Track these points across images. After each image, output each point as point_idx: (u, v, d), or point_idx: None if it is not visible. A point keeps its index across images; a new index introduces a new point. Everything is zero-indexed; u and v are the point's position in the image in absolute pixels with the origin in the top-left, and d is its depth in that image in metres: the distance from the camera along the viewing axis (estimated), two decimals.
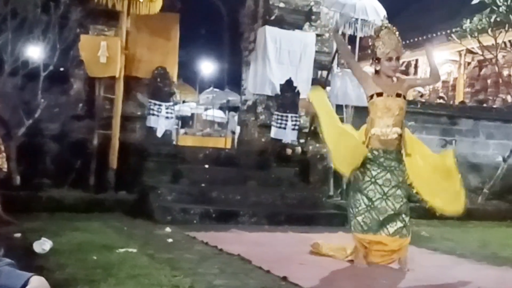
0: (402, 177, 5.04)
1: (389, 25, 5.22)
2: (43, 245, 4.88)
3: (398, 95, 5.10)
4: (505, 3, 9.77)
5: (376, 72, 5.18)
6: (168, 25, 9.31)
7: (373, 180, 5.00)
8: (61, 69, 9.01)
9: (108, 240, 5.57)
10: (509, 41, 12.90)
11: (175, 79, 9.33)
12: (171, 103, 8.86)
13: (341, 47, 6.12)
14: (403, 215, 4.98)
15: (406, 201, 5.04)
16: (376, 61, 5.15)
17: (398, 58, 5.12)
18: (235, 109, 15.68)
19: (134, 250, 5.16)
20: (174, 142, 9.88)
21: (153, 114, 8.56)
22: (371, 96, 5.13)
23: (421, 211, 6.70)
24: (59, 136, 8.74)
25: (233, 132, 15.66)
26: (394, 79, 5.15)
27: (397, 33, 5.21)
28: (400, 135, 5.06)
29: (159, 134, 8.60)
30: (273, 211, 7.92)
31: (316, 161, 10.04)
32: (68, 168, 8.31)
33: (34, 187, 7.82)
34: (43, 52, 8.32)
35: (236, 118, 16.37)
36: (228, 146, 14.64)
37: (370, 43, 5.30)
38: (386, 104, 5.05)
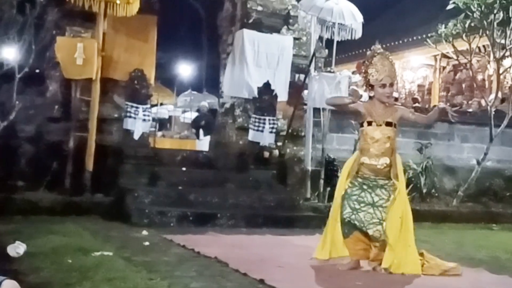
0: (392, 195, 5.03)
1: (382, 50, 5.18)
2: (17, 249, 4.82)
3: (388, 124, 5.07)
4: (479, 9, 9.91)
5: (370, 97, 5.16)
6: (146, 27, 9.27)
7: (363, 188, 5.04)
8: (37, 70, 8.93)
9: (84, 243, 5.52)
10: (483, 46, 13.09)
11: (152, 81, 9.29)
12: (148, 106, 8.83)
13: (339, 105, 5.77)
14: (381, 233, 4.97)
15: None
16: (370, 87, 5.12)
17: (392, 84, 5.08)
18: (213, 111, 15.62)
19: (110, 253, 5.12)
20: (151, 145, 9.82)
21: (130, 117, 8.52)
22: (362, 124, 5.14)
23: None
24: (35, 138, 8.65)
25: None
26: (388, 105, 5.10)
27: (390, 57, 5.20)
28: (390, 165, 5.05)
29: (136, 136, 8.55)
30: (250, 214, 7.93)
31: (293, 163, 10.07)
32: (44, 170, 8.22)
33: (9, 190, 7.73)
34: (18, 53, 8.23)
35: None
36: (206, 148, 14.64)
37: (363, 69, 5.25)
38: (375, 134, 5.04)
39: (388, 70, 5.06)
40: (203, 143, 15.39)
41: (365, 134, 5.10)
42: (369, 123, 5.07)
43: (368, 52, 5.29)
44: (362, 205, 5.03)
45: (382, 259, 4.99)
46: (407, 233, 5.02)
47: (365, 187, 5.06)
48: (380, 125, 5.05)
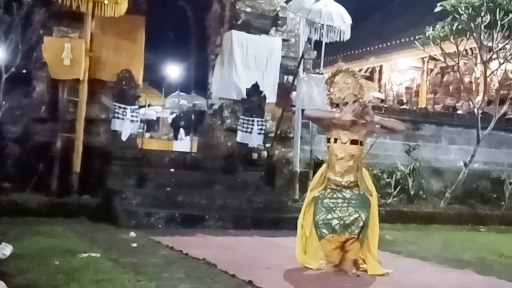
0: (365, 197, 5.03)
1: (344, 67, 5.14)
2: (3, 250, 4.78)
3: (354, 142, 5.04)
4: (467, 12, 9.97)
5: None
6: (134, 28, 9.22)
7: (334, 190, 5.04)
8: (24, 71, 8.86)
9: (71, 245, 5.49)
10: (470, 48, 13.17)
11: (140, 82, 9.25)
12: (136, 107, 8.79)
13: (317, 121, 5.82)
14: (364, 217, 4.95)
15: (368, 210, 5.00)
16: (335, 106, 5.09)
17: (356, 101, 5.00)
18: (201, 113, 15.51)
19: (98, 255, 5.10)
20: (139, 146, 9.78)
21: (118, 118, 8.47)
22: (328, 140, 5.15)
23: (385, 215, 6.79)
24: (21, 139, 8.59)
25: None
26: (355, 121, 5.01)
27: (356, 74, 5.16)
28: (356, 181, 5.04)
29: (124, 137, 8.51)
30: (239, 215, 7.92)
31: (282, 165, 10.08)
32: (30, 171, 8.16)
33: None
34: (5, 53, 8.18)
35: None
36: (194, 150, 14.59)
37: (326, 88, 5.20)
38: (338, 152, 5.02)
39: (351, 88, 5.02)
40: (184, 144, 15.18)
41: (331, 151, 5.10)
42: (335, 140, 5.07)
43: (331, 71, 5.28)
44: (338, 201, 5.01)
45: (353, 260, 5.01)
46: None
47: (335, 191, 5.07)
48: (345, 143, 5.03)
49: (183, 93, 22.12)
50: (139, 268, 4.66)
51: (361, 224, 4.92)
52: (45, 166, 8.23)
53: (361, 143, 5.12)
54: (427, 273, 5.40)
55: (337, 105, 5.07)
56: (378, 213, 5.26)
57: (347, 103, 4.99)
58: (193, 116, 16.62)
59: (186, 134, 15.25)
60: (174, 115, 22.28)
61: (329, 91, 5.12)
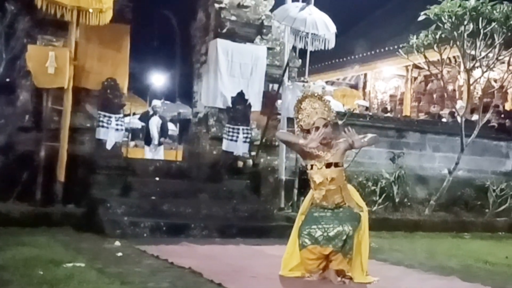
0: (353, 211, 5.03)
1: (311, 92, 5.11)
2: None
3: (329, 165, 5.00)
4: (450, 20, 10.07)
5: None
6: (119, 36, 9.20)
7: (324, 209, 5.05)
8: (7, 79, 8.80)
9: (55, 255, 5.44)
10: (454, 57, 13.32)
11: (125, 90, 9.22)
12: (121, 115, 8.77)
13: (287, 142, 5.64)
14: (348, 230, 4.92)
15: (355, 223, 4.99)
16: (305, 132, 5.03)
17: (326, 125, 4.96)
18: (186, 121, 15.10)
19: (82, 265, 5.05)
20: (124, 155, 9.73)
21: (103, 126, 8.45)
22: (306, 166, 5.13)
23: (370, 223, 6.79)
24: (5, 148, 8.51)
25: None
26: (327, 144, 5.00)
27: (323, 98, 5.10)
28: (343, 200, 5.02)
29: (109, 146, 8.48)
30: (224, 224, 7.90)
31: (267, 173, 10.08)
32: (14, 181, 8.08)
33: None
34: None
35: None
36: (179, 158, 14.54)
37: (294, 115, 5.15)
38: (316, 177, 4.99)
39: (320, 112, 4.96)
40: (158, 151, 14.80)
41: (310, 177, 5.09)
42: (311, 167, 5.05)
43: (297, 98, 5.22)
44: (326, 214, 5.00)
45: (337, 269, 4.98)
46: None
47: (324, 209, 5.06)
48: (320, 169, 5.00)
49: (168, 102, 22.09)
50: (124, 278, 4.63)
51: (344, 237, 4.88)
52: (29, 175, 8.16)
53: (337, 165, 5.04)
54: (413, 280, 5.41)
55: (308, 131, 4.99)
56: None
57: (318, 127, 4.93)
58: (167, 123, 16.02)
59: (160, 141, 14.80)
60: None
61: (297, 117, 5.06)
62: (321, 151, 5.01)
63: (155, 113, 15.28)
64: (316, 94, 5.13)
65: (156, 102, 15.97)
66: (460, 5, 9.90)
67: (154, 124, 15.01)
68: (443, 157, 12.11)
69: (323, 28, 9.71)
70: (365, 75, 23.36)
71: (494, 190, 11.13)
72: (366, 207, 5.24)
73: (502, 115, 14.75)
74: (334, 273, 4.96)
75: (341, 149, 5.06)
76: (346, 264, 4.96)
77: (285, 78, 10.06)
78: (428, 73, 14.28)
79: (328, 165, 5.00)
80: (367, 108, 17.14)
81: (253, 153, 9.86)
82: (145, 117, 15.67)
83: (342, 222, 4.93)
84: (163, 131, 15.28)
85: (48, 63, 8.16)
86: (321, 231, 4.93)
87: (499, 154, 13.01)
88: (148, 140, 15.08)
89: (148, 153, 14.86)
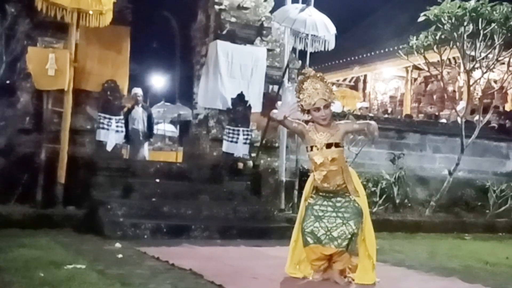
0: (356, 205, 4.98)
1: (313, 73, 5.05)
2: None
3: (329, 146, 4.96)
4: (450, 21, 10.08)
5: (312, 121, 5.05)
6: (119, 38, 9.21)
7: (325, 198, 5.02)
8: (8, 81, 8.80)
9: (56, 257, 5.44)
10: (454, 58, 13.31)
11: (125, 92, 9.23)
12: (121, 117, 8.77)
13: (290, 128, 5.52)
14: (352, 230, 4.91)
15: (359, 219, 4.96)
16: (306, 112, 5.03)
17: (327, 106, 4.95)
18: (186, 123, 14.63)
19: (83, 266, 5.05)
20: (124, 156, 9.73)
21: (103, 128, 8.45)
22: (307, 148, 5.12)
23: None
24: (6, 150, 8.52)
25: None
26: (328, 126, 4.98)
27: (324, 79, 5.08)
28: (344, 182, 4.98)
29: (109, 148, 8.48)
30: (225, 225, 7.90)
31: (267, 174, 10.08)
32: (15, 183, 8.09)
33: None
34: None
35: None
36: (180, 160, 14.52)
37: (296, 95, 5.12)
38: (317, 158, 4.96)
39: (321, 93, 4.95)
40: (142, 150, 13.44)
41: (311, 159, 5.06)
42: (311, 148, 5.03)
43: (299, 77, 5.21)
44: (327, 209, 4.99)
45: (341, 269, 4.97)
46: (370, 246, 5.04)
47: (326, 198, 5.05)
48: (321, 149, 4.97)
49: (168, 103, 22.10)
50: (125, 280, 4.63)
51: (348, 236, 4.88)
52: (30, 177, 8.16)
53: (337, 145, 5.01)
54: (414, 281, 5.41)
55: (308, 111, 5.01)
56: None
57: (318, 108, 4.94)
58: (152, 116, 13.64)
59: (145, 140, 13.48)
60: (168, 126, 21.50)
61: (299, 98, 5.05)
62: (324, 132, 5.00)
63: (137, 103, 12.76)
64: (318, 75, 5.09)
65: (137, 90, 12.88)
66: (460, 6, 9.92)
67: (137, 116, 12.66)
68: (443, 158, 12.12)
69: (323, 29, 9.72)
70: (365, 76, 23.40)
71: (494, 191, 11.13)
72: (364, 192, 5.17)
73: (502, 116, 14.77)
74: (339, 273, 4.96)
75: (341, 130, 5.04)
76: (352, 262, 4.96)
77: (285, 79, 10.06)
78: (428, 74, 14.29)
79: (329, 146, 4.97)
80: (366, 108, 17.18)
81: (253, 155, 9.86)
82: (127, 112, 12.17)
83: (345, 221, 4.92)
84: (149, 125, 13.02)
85: (48, 65, 8.17)
86: (324, 230, 4.92)
87: (500, 155, 13.03)
88: (129, 139, 12.08)
89: (131, 153, 12.54)
